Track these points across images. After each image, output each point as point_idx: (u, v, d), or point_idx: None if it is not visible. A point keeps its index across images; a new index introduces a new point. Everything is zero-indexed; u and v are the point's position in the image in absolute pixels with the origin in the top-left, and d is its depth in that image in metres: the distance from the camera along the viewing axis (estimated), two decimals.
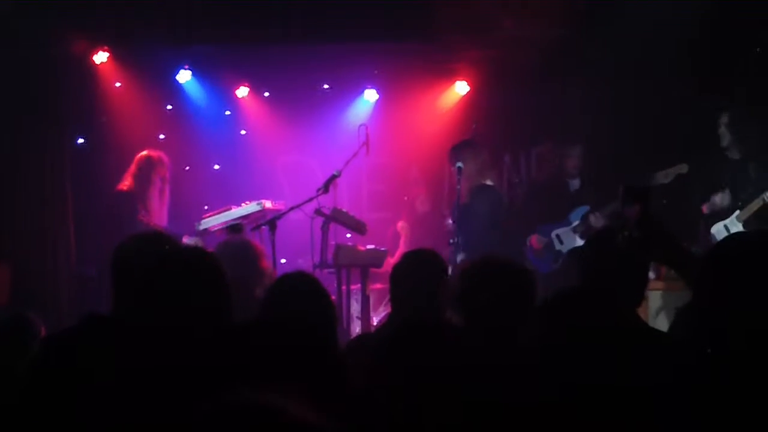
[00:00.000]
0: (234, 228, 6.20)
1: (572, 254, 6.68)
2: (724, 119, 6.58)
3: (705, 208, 6.60)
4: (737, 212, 6.43)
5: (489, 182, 6.89)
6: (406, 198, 8.31)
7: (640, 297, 3.27)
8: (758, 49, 7.22)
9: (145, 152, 7.02)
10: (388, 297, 5.68)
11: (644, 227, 2.73)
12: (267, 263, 5.29)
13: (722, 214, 6.49)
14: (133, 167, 6.95)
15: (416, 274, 3.68)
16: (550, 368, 2.41)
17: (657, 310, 6.39)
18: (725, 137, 6.58)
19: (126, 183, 6.92)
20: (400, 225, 7.93)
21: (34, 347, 3.79)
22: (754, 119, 6.63)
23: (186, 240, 6.54)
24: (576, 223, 7.07)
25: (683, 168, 6.62)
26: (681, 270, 2.72)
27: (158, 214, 6.91)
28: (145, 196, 6.84)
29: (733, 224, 6.42)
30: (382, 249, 6.71)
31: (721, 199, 6.50)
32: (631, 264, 3.17)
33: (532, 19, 7.21)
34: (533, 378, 2.42)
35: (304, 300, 3.22)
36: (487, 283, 3.00)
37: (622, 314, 2.90)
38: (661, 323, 6.15)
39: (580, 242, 6.88)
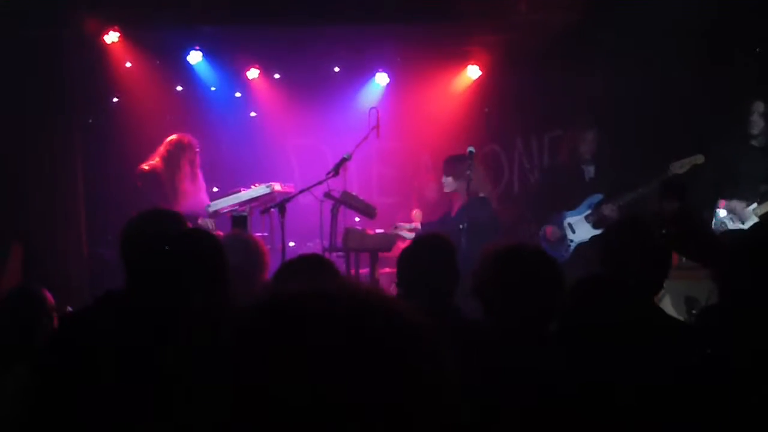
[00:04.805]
0: (237, 220, 6.10)
1: (593, 242, 6.59)
2: (759, 107, 6.40)
3: (723, 204, 6.44)
4: (754, 205, 6.27)
5: (482, 194, 6.80)
6: (416, 184, 8.23)
7: (659, 286, 3.25)
8: (758, 50, 7.14)
9: (174, 136, 6.92)
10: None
11: (681, 223, 2.67)
12: (269, 260, 5.27)
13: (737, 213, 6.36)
14: (162, 149, 6.82)
15: (424, 258, 3.64)
16: (569, 358, 2.36)
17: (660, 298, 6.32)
18: (757, 125, 6.40)
19: (151, 163, 6.79)
20: (415, 213, 7.80)
21: (43, 320, 3.79)
22: None
23: (200, 221, 6.51)
24: (589, 212, 6.99)
25: (699, 158, 6.41)
26: (712, 266, 2.68)
27: (193, 197, 6.79)
28: (175, 179, 6.73)
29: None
30: (392, 233, 6.66)
31: (739, 204, 6.34)
32: (654, 254, 3.15)
33: (546, 3, 7.15)
34: (552, 370, 2.37)
35: (318, 280, 3.19)
36: (511, 272, 2.92)
37: (641, 304, 2.85)
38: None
39: (593, 231, 6.82)
